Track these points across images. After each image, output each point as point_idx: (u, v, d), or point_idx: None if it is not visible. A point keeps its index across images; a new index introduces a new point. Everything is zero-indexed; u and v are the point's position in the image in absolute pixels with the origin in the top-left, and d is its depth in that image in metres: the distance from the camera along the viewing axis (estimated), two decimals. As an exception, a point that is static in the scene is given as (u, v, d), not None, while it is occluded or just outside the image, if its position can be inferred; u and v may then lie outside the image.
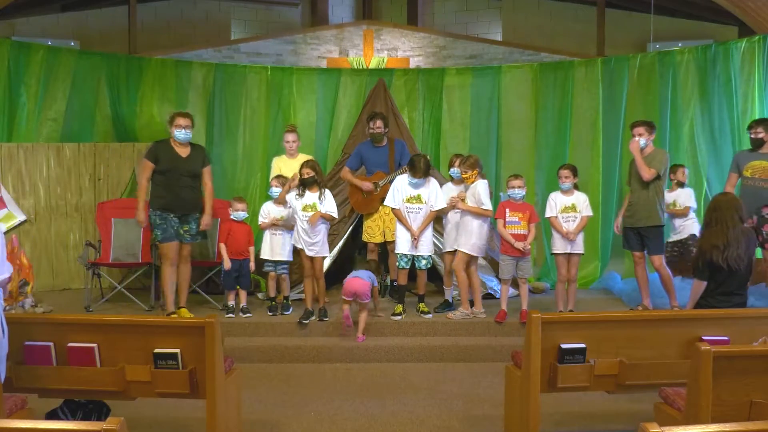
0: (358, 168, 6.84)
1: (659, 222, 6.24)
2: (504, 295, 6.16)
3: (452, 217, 6.28)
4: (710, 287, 4.59)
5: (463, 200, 6.09)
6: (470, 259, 6.06)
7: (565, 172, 6.21)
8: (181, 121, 6.04)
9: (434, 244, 6.39)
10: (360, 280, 5.79)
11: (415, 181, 6.10)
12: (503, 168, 8.21)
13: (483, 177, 6.15)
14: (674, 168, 7.07)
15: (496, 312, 6.11)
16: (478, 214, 5.98)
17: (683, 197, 7.05)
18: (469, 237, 6.01)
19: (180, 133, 6.03)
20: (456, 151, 7.32)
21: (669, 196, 6.83)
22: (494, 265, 6.74)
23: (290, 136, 6.85)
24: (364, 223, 6.72)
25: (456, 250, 6.12)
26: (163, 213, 6.02)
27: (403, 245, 6.16)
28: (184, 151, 6.10)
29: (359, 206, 6.71)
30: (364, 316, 5.88)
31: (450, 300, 6.45)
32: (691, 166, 7.58)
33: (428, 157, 6.32)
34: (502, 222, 6.08)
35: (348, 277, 5.91)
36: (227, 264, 6.25)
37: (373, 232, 6.67)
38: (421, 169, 6.02)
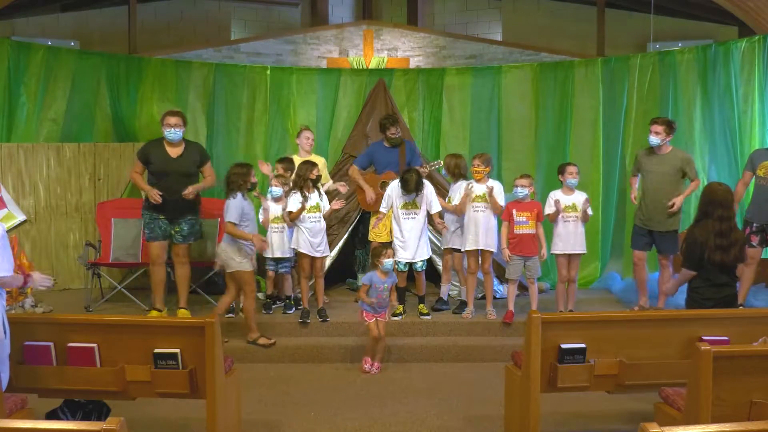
0: (366, 167, 6.85)
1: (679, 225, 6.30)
2: (511, 295, 6.15)
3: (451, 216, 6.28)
4: (699, 281, 4.56)
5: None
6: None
7: (574, 169, 6.17)
8: (171, 119, 5.93)
9: (433, 242, 6.44)
10: None
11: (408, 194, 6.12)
12: (504, 168, 8.18)
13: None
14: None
15: (503, 312, 6.13)
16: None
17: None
18: (493, 236, 6.09)
19: (169, 133, 5.93)
20: (456, 152, 7.28)
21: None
22: (495, 267, 6.72)
23: (310, 133, 6.99)
24: (370, 222, 6.70)
25: (456, 250, 6.23)
26: (153, 213, 6.01)
27: (399, 253, 6.13)
28: (175, 151, 6.01)
29: (366, 204, 6.71)
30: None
31: (446, 298, 6.45)
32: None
33: (421, 171, 6.27)
34: (506, 225, 6.06)
35: None
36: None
37: (379, 231, 6.65)
38: (412, 188, 6.01)
